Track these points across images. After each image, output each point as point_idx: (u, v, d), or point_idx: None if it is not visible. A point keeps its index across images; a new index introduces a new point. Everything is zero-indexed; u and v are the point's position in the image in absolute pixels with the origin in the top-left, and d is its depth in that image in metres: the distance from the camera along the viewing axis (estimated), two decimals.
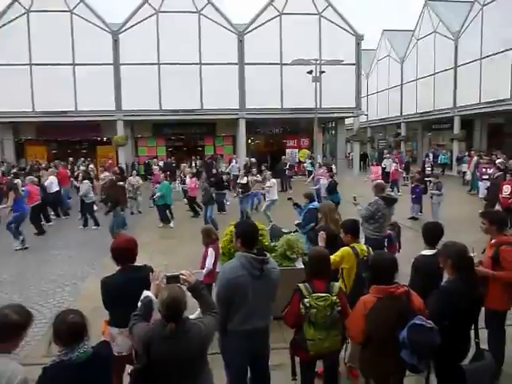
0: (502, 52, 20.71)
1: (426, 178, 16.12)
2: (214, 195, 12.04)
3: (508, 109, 21.16)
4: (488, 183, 12.73)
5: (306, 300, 3.08)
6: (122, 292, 3.26)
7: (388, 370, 3.01)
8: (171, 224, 11.93)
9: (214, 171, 14.27)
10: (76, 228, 11.93)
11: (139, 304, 2.86)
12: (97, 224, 11.85)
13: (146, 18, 21.27)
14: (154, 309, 2.77)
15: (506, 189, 10.00)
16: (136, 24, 21.28)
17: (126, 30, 21.32)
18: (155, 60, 21.37)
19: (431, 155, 24.24)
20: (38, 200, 11.19)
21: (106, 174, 13.96)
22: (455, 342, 3.07)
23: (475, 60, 22.95)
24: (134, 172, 15.44)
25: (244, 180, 12.73)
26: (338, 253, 4.10)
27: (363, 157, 32.31)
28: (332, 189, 11.94)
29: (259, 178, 13.73)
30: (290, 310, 3.19)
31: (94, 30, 20.95)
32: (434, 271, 3.39)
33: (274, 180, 12.37)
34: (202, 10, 21.56)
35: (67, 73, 20.83)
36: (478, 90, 22.71)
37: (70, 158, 20.45)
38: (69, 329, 2.31)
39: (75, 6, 20.87)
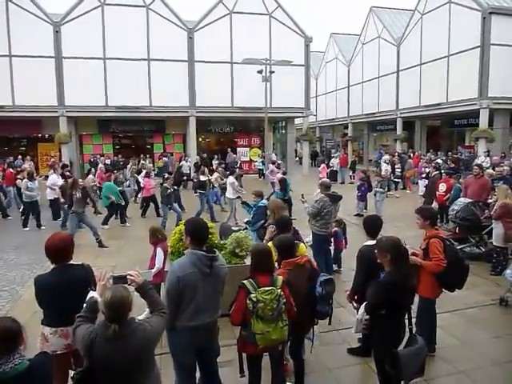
0: (439, 59, 22.12)
1: (396, 179, 16.81)
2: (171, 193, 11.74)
3: (444, 112, 22.65)
4: (426, 181, 13.53)
5: (252, 295, 3.15)
6: (55, 291, 3.20)
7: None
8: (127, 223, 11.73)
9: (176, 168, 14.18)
10: (15, 229, 11.24)
11: (84, 305, 2.77)
12: (39, 225, 11.24)
13: (91, 10, 20.39)
14: (100, 310, 2.70)
15: (442, 187, 10.72)
16: (79, 16, 20.32)
17: (68, 21, 20.30)
18: (101, 54, 20.56)
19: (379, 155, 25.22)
20: None
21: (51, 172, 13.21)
22: (392, 329, 3.29)
23: (415, 65, 24.32)
24: (93, 170, 14.74)
25: (203, 177, 12.63)
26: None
27: (314, 155, 33.22)
28: (285, 185, 12.15)
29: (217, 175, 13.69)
30: (236, 307, 3.24)
31: (34, 20, 19.76)
32: (376, 260, 3.62)
33: (232, 178, 12.35)
34: (151, 4, 21.04)
35: (3, 64, 19.49)
36: (418, 93, 24.09)
37: (11, 158, 19.11)
38: (0, 336, 2.17)
39: None
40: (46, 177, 15.49)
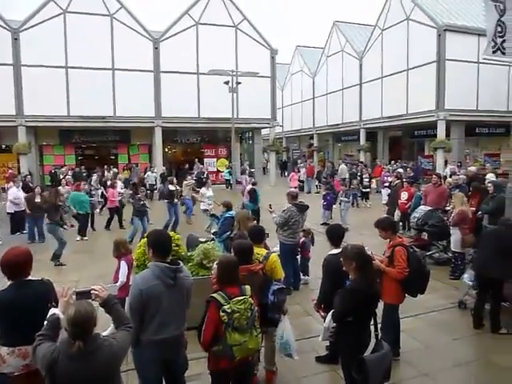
0: (399, 72, 23.06)
1: (364, 190, 16.93)
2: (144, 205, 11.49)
3: (405, 123, 23.57)
4: (389, 190, 13.98)
5: (226, 307, 3.10)
6: (11, 308, 3.05)
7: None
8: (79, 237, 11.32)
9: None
10: None
11: (45, 322, 2.66)
12: None
13: (52, 18, 19.87)
14: (62, 328, 2.60)
15: (404, 195, 11.10)
16: (40, 23, 19.74)
17: (27, 28, 19.69)
18: (62, 63, 20.02)
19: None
20: None
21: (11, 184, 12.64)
22: (358, 335, 3.37)
23: (377, 78, 25.22)
24: (64, 181, 14.18)
25: (172, 187, 12.48)
26: None
27: (284, 165, 33.62)
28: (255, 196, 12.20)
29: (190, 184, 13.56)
30: (208, 321, 3.16)
31: None
32: (341, 267, 3.69)
33: (210, 190, 12.31)
34: (115, 13, 20.77)
35: None
36: (380, 105, 24.97)
37: None
38: None
39: None
40: (3, 189, 14.84)
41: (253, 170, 25.79)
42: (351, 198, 13.54)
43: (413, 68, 22.20)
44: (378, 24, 25.08)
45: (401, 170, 16.99)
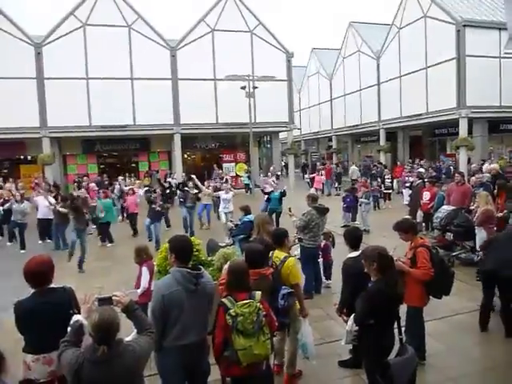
0: (418, 71, 22.70)
1: (385, 191, 16.72)
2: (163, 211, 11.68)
3: (425, 122, 23.16)
4: (410, 191, 13.73)
5: (231, 310, 3.11)
6: (34, 316, 3.11)
7: None
8: (109, 243, 11.57)
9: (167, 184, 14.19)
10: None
11: (68, 329, 2.72)
12: (23, 248, 11.00)
13: (73, 31, 20.45)
14: (86, 333, 2.65)
15: (426, 195, 10.88)
16: (61, 36, 20.35)
17: (49, 42, 20.31)
18: (83, 74, 20.55)
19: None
20: None
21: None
22: (381, 338, 3.31)
23: (395, 78, 24.89)
24: (84, 190, 14.49)
25: (194, 191, 12.61)
26: None
27: (304, 168, 33.51)
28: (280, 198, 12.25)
29: (210, 189, 13.65)
30: (218, 325, 3.20)
31: (14, 42, 19.68)
32: (361, 270, 3.65)
33: (232, 192, 12.42)
34: (133, 24, 21.21)
35: None
36: (399, 105, 24.61)
37: None
38: None
39: None
40: (28, 199, 15.26)
41: (279, 173, 25.89)
42: (371, 199, 13.34)
43: (432, 66, 21.81)
44: (394, 23, 24.79)
45: (422, 170, 16.68)
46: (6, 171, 22.35)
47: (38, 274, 3.23)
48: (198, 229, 12.61)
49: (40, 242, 11.92)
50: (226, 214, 11.92)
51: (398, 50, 24.48)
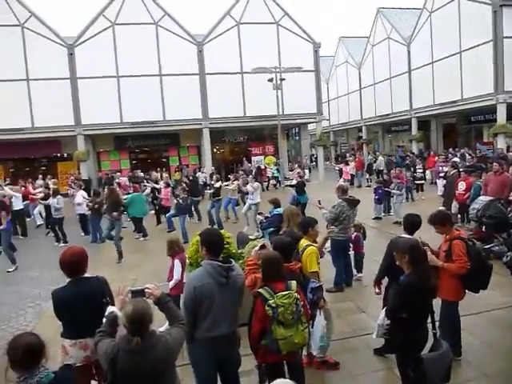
0: (452, 55, 21.85)
1: (417, 182, 16.20)
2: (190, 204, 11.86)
3: (460, 109, 22.31)
4: (444, 181, 13.29)
5: (271, 301, 3.16)
6: (69, 304, 3.28)
7: None
8: (142, 237, 11.82)
9: (191, 177, 14.42)
10: (38, 247, 11.50)
11: (104, 320, 2.82)
12: (65, 241, 11.46)
13: (102, 31, 20.95)
14: (120, 324, 2.74)
15: (461, 185, 10.49)
16: (92, 37, 20.90)
17: (81, 43, 20.90)
18: (114, 73, 21.05)
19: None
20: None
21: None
22: (413, 333, 3.24)
23: (427, 64, 24.07)
24: (116, 185, 14.90)
25: (217, 185, 12.73)
26: (313, 259, 4.40)
27: (338, 158, 33.16)
28: (300, 189, 12.12)
29: (234, 184, 13.73)
30: (255, 316, 3.25)
31: (48, 43, 20.39)
32: None
33: (257, 183, 12.41)
34: (159, 21, 21.48)
35: (21, 88, 20.12)
36: (432, 92, 23.80)
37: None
38: (24, 351, 2.23)
39: (26, 20, 20.18)
40: (66, 195, 15.82)
41: (312, 164, 25.74)
42: (403, 190, 12.98)
43: (466, 50, 20.94)
44: (425, 6, 23.93)
45: (457, 159, 16.10)
46: (44, 168, 23.32)
47: (72, 263, 3.40)
48: (223, 222, 12.70)
49: (82, 235, 12.37)
50: (250, 205, 11.82)
51: (430, 34, 23.64)
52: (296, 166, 17.85)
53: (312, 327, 4.08)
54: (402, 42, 26.62)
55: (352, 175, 21.19)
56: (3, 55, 19.46)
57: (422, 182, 16.42)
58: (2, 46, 19.44)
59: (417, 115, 25.93)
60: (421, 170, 16.63)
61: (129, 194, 12.52)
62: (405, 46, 26.30)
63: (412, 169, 17.27)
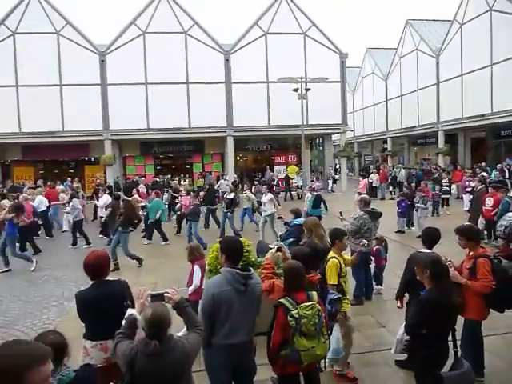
0: (482, 68, 21.39)
1: (443, 196, 15.81)
2: (200, 211, 11.94)
3: (489, 123, 21.75)
4: (471, 196, 12.95)
5: (294, 312, 3.15)
6: (92, 305, 3.36)
7: None
8: (162, 242, 11.97)
9: (207, 187, 14.52)
10: (63, 248, 11.81)
11: (123, 322, 2.88)
12: (88, 243, 11.72)
13: (133, 39, 21.55)
14: (139, 327, 2.79)
15: (489, 201, 10.20)
16: (123, 45, 21.53)
17: (112, 50, 21.54)
18: (142, 80, 21.57)
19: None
20: (30, 218, 11.19)
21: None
22: (433, 350, 3.15)
23: (456, 76, 23.62)
24: (134, 191, 15.17)
25: (231, 195, 12.76)
26: (332, 271, 4.42)
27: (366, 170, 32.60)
28: (316, 203, 11.95)
29: (250, 194, 13.72)
30: (276, 326, 3.24)
31: (81, 50, 21.13)
32: None
33: (270, 194, 12.37)
34: (189, 30, 21.93)
35: (54, 93, 20.87)
36: (460, 105, 23.32)
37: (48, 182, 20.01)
38: None
39: (62, 28, 21.06)
40: (92, 197, 16.21)
41: (337, 176, 25.56)
42: (429, 204, 12.68)
43: (498, 62, 20.44)
44: (456, 18, 23.53)
45: (485, 174, 15.65)
46: (72, 171, 24.03)
47: (96, 266, 3.50)
48: (252, 231, 12.67)
49: (100, 236, 12.57)
50: (265, 217, 11.67)
51: (460, 46, 23.21)
52: (314, 179, 17.60)
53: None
54: (430, 54, 26.24)
55: (375, 187, 20.94)
56: (39, 61, 20.26)
57: (448, 196, 16.04)
58: (38, 53, 20.25)
59: (444, 128, 25.42)
60: (447, 184, 16.27)
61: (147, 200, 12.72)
62: (433, 58, 25.92)
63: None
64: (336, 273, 4.35)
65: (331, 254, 4.57)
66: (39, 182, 17.57)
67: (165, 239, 12.02)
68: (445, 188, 16.05)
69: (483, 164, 20.93)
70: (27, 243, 11.03)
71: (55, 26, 20.95)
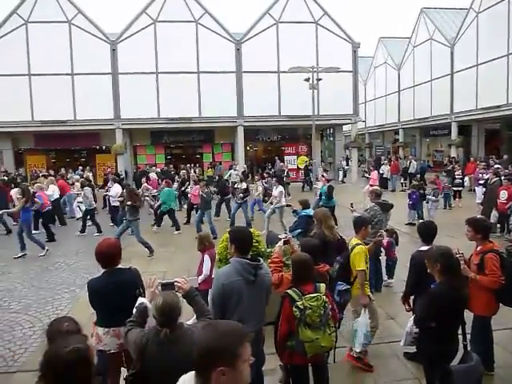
0: (498, 58, 20.91)
1: (455, 188, 15.63)
2: (211, 199, 12.01)
3: (504, 114, 21.33)
4: (484, 189, 12.79)
5: (298, 303, 3.16)
6: (103, 293, 3.40)
7: None
8: (175, 231, 12.09)
9: (217, 177, 14.56)
10: (75, 236, 11.97)
11: (134, 310, 2.91)
12: (99, 231, 11.87)
13: (144, 28, 21.48)
14: (149, 315, 2.83)
15: (503, 194, 10.07)
16: (134, 34, 21.47)
17: (123, 39, 21.52)
18: (153, 69, 21.55)
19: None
20: (49, 206, 11.36)
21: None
22: (443, 343, 3.14)
23: (471, 66, 23.16)
24: (143, 180, 15.28)
25: (243, 185, 12.79)
26: (361, 257, 4.44)
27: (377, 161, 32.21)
28: (330, 194, 11.92)
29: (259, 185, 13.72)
30: (283, 316, 3.26)
31: (93, 40, 21.14)
32: (425, 266, 3.50)
33: (280, 187, 12.33)
34: (200, 19, 21.77)
35: (66, 82, 20.98)
36: (475, 96, 22.89)
37: (62, 169, 20.28)
38: (63, 334, 2.31)
39: (73, 17, 21.06)
40: (102, 186, 16.38)
41: (347, 167, 25.41)
42: (440, 196, 12.56)
43: None
44: (472, 6, 22.99)
45: (499, 166, 15.41)
46: (83, 160, 24.27)
47: (108, 255, 3.53)
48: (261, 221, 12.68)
49: (111, 225, 12.76)
50: (274, 209, 11.58)
51: (476, 36, 22.70)
52: (320, 170, 17.32)
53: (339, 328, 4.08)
54: (445, 43, 25.73)
55: (386, 179, 20.78)
56: (51, 50, 20.33)
57: (460, 188, 15.85)
58: (50, 42, 20.30)
59: (457, 119, 25.01)
60: (460, 177, 16.06)
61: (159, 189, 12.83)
62: (448, 48, 25.41)
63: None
64: (363, 259, 4.40)
65: (355, 241, 4.58)
66: (50, 172, 17.75)
67: (177, 228, 12.12)
68: (457, 180, 15.85)
69: (493, 156, 20.59)
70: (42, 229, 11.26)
71: (67, 15, 20.96)
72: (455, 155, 24.21)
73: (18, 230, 9.93)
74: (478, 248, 4.16)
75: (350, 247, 4.57)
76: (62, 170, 18.44)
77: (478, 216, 4.51)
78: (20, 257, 9.59)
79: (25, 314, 6.36)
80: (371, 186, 15.78)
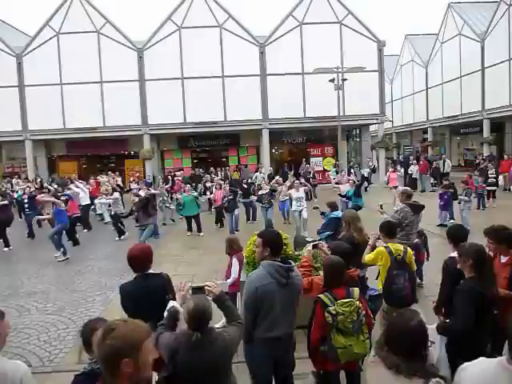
0: None
1: (489, 188, 15.06)
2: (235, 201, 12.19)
3: None
4: None
5: (331, 308, 3.11)
6: (135, 298, 3.41)
7: None
8: (201, 233, 12.28)
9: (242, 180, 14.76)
10: (105, 240, 12.26)
11: (165, 314, 2.93)
12: (123, 233, 12.17)
13: (170, 35, 21.87)
14: (180, 319, 2.84)
15: None
16: (160, 40, 21.91)
17: (150, 46, 21.97)
18: (179, 75, 21.88)
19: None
20: (78, 212, 11.74)
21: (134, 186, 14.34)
22: (474, 341, 2.99)
23: (503, 61, 22.36)
24: (161, 183, 15.64)
25: (266, 189, 12.76)
26: (373, 252, 4.47)
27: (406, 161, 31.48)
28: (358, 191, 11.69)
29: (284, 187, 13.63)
30: (315, 321, 3.21)
31: (120, 48, 21.69)
32: (460, 271, 3.33)
33: (302, 189, 12.16)
34: (223, 23, 21.97)
35: (95, 90, 21.61)
36: (508, 91, 22.07)
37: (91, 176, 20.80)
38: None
39: (102, 26, 21.68)
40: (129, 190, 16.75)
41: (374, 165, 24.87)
42: (472, 196, 12.12)
43: None
44: None
45: None
46: (112, 165, 24.88)
47: (140, 259, 3.56)
48: (281, 224, 12.63)
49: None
50: (299, 212, 11.35)
51: (508, 29, 21.90)
52: (341, 172, 16.88)
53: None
54: (474, 39, 24.95)
55: (415, 179, 20.28)
56: (81, 59, 20.99)
57: (494, 188, 15.26)
58: (80, 51, 20.97)
59: (489, 116, 24.15)
60: (493, 175, 15.47)
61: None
62: (478, 43, 24.63)
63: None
64: (374, 255, 4.47)
65: (397, 245, 4.50)
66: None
67: (199, 230, 12.32)
68: (491, 179, 15.28)
69: None
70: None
71: (95, 25, 21.60)
72: (488, 153, 23.39)
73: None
74: (504, 259, 3.68)
75: (397, 253, 4.40)
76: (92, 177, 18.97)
77: (496, 225, 3.98)
78: (63, 260, 9.91)
79: (59, 315, 6.55)
80: (395, 187, 15.38)
